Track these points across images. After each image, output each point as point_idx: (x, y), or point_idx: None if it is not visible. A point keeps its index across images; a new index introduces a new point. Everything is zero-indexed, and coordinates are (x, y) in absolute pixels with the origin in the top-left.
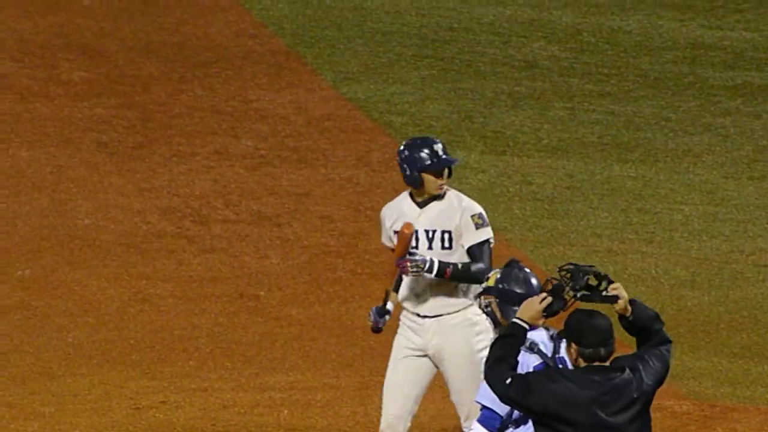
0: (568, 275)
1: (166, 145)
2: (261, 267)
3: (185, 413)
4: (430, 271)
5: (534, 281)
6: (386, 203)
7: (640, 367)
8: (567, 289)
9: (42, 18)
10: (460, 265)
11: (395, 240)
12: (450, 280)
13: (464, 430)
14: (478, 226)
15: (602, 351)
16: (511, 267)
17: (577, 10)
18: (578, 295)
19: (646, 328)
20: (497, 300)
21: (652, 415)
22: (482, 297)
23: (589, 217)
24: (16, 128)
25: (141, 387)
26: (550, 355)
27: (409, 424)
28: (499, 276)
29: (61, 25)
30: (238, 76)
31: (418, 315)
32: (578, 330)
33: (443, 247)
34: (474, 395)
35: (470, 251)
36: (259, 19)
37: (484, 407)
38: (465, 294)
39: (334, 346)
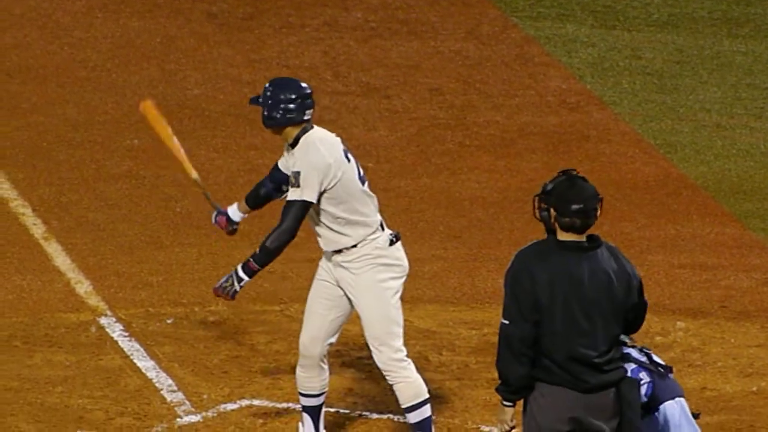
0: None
1: (276, 16)
2: (370, 139)
3: (292, 283)
4: (240, 280)
5: None
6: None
7: (623, 262)
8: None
9: None
10: (258, 250)
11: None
12: (260, 267)
13: (383, 362)
14: (291, 185)
15: (578, 222)
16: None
17: None
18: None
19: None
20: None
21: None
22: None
23: (698, 91)
24: None
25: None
26: (644, 359)
27: (326, 350)
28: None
29: None
30: None
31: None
32: (557, 192)
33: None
34: (384, 324)
35: None
36: None
37: None
38: (351, 236)
39: (442, 218)
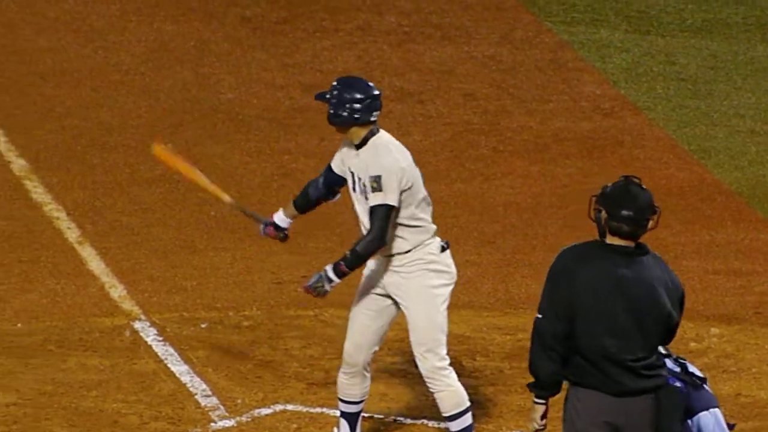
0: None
1: (310, 20)
2: (403, 143)
3: None
4: (330, 281)
5: None
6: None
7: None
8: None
9: None
10: (349, 253)
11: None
12: (350, 270)
13: (427, 370)
14: (373, 190)
15: (625, 228)
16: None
17: None
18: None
19: None
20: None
21: None
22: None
23: (732, 97)
24: (161, 2)
25: (283, 261)
26: (678, 370)
27: (370, 358)
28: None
29: None
30: None
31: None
32: (611, 195)
33: (366, 198)
34: (432, 331)
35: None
36: None
37: None
38: (408, 240)
39: (476, 224)
